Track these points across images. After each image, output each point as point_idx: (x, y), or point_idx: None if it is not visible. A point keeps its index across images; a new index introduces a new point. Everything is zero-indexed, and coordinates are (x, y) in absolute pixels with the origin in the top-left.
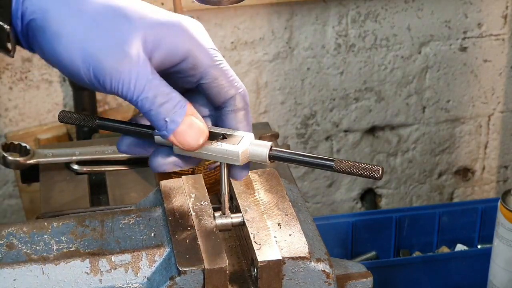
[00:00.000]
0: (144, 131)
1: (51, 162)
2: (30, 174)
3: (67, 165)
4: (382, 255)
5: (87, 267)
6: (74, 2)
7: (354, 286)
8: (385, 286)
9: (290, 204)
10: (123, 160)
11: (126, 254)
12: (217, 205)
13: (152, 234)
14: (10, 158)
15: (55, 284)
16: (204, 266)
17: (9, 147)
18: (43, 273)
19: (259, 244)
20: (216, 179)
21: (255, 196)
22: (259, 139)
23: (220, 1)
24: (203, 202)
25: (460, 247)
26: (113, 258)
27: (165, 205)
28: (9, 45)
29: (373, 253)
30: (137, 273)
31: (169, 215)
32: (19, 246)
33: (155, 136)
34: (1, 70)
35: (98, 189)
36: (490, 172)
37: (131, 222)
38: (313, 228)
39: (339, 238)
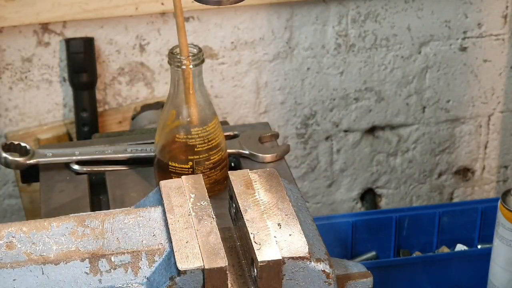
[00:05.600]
0: None
1: (51, 162)
2: (30, 174)
3: (67, 165)
4: (382, 255)
5: (87, 267)
6: None
7: (354, 286)
8: (385, 286)
9: (290, 204)
10: (123, 160)
11: (126, 254)
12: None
13: (152, 234)
14: (10, 158)
15: (55, 284)
16: (204, 266)
17: (9, 147)
18: (43, 273)
19: (259, 244)
20: (216, 179)
21: (255, 196)
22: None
23: (220, 1)
24: (203, 202)
25: (460, 247)
26: (113, 258)
27: (165, 205)
28: None
29: (373, 253)
30: (137, 273)
31: (169, 215)
32: (19, 246)
33: None
34: (1, 70)
35: (98, 189)
36: (490, 172)
37: (131, 222)
38: (313, 228)
39: (339, 238)
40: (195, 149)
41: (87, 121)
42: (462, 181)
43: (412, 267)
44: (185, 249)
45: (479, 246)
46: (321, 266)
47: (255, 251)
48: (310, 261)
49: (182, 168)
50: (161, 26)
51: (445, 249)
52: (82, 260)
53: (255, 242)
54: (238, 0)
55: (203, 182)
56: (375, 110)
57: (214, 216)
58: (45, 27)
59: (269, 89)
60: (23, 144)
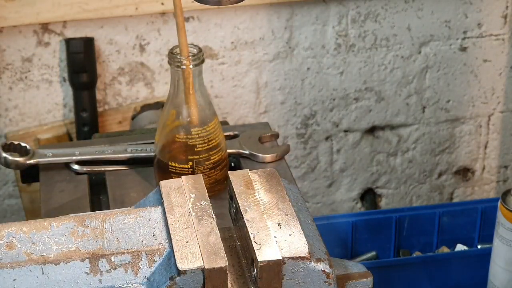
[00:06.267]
0: None
1: (51, 162)
2: (30, 174)
3: (67, 165)
4: (382, 255)
5: (87, 267)
6: None
7: (354, 286)
8: (385, 286)
9: (290, 204)
10: (123, 160)
11: (126, 254)
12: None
13: (152, 234)
14: (10, 158)
15: (55, 284)
16: (204, 266)
17: (9, 147)
18: (43, 273)
19: (259, 244)
20: (216, 179)
21: (255, 196)
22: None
23: (220, 1)
24: (203, 202)
25: (460, 247)
26: (113, 258)
27: (165, 205)
28: None
29: (373, 253)
30: (137, 273)
31: (169, 215)
32: (19, 246)
33: None
34: (1, 70)
35: (98, 189)
36: (490, 172)
37: (131, 222)
38: (313, 228)
39: (339, 238)
40: (195, 149)
41: (87, 121)
42: (462, 181)
43: (412, 267)
44: (185, 249)
45: (479, 246)
46: (321, 266)
47: (255, 251)
48: (310, 261)
49: (182, 168)
50: (161, 26)
51: (445, 249)
52: (82, 260)
53: (255, 242)
54: (238, 0)
55: (203, 182)
56: (375, 110)
57: (214, 216)
58: (45, 27)
59: (269, 89)
60: (23, 144)
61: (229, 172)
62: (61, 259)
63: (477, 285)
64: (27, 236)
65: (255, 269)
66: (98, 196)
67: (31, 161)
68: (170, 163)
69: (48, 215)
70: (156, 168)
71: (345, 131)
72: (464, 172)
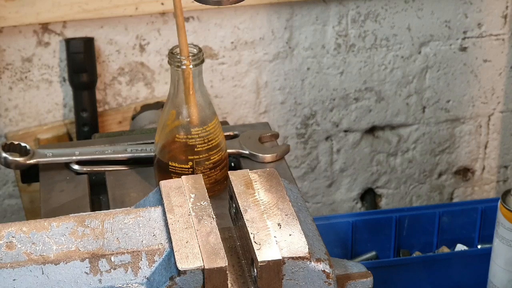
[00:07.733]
0: None
1: (51, 162)
2: (30, 174)
3: (67, 165)
4: (382, 255)
5: (87, 267)
6: None
7: (354, 286)
8: (385, 286)
9: (290, 204)
10: (123, 160)
11: (126, 254)
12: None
13: (152, 234)
14: (10, 158)
15: (55, 284)
16: (204, 266)
17: (9, 147)
18: (43, 273)
19: (259, 244)
20: (216, 179)
21: (255, 196)
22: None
23: (220, 1)
24: (203, 202)
25: (460, 247)
26: (113, 258)
27: (165, 205)
28: None
29: (373, 253)
30: (137, 273)
31: (169, 215)
32: (19, 246)
33: None
34: (1, 70)
35: (98, 189)
36: (490, 172)
37: (131, 222)
38: (313, 228)
39: (339, 238)
40: (195, 149)
41: (87, 121)
42: (462, 181)
43: (412, 267)
44: (185, 249)
45: (479, 246)
46: (321, 266)
47: (255, 251)
48: (310, 261)
49: (182, 168)
50: (161, 26)
51: (445, 249)
52: (82, 260)
53: (255, 242)
54: (238, 0)
55: (203, 182)
56: (375, 110)
57: (214, 216)
58: (45, 27)
59: (269, 89)
60: (23, 144)
61: (229, 172)
62: (61, 259)
63: (477, 285)
64: (27, 236)
65: (255, 269)
66: (98, 196)
67: (31, 161)
68: (170, 163)
69: (48, 215)
70: (156, 168)
71: (345, 131)
72: (464, 172)
